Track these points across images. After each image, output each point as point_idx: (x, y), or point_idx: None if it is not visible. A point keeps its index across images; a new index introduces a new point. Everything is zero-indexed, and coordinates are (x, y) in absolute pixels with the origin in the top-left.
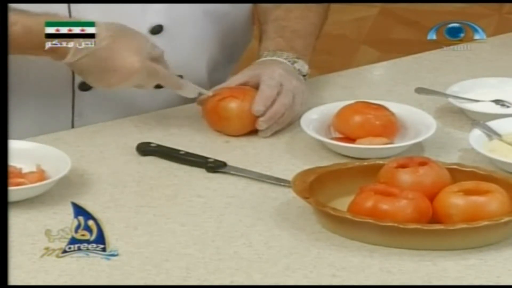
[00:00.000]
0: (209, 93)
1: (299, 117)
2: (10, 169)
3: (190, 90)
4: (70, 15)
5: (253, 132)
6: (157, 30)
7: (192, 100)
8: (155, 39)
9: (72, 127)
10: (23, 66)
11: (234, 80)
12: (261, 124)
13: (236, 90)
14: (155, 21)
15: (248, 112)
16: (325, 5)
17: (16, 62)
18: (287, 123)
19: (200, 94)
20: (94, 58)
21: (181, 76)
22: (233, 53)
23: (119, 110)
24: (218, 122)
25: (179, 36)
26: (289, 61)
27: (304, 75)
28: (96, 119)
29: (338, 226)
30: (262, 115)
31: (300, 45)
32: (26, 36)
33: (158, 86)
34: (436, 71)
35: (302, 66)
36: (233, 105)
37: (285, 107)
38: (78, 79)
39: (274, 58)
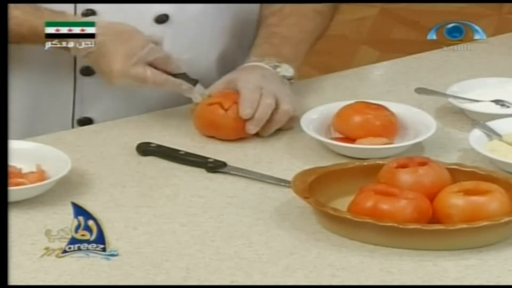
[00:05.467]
0: (205, 94)
1: (299, 118)
2: (10, 169)
3: (195, 96)
4: (75, 5)
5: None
6: (162, 19)
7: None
8: (160, 28)
9: (73, 112)
10: (26, 49)
11: (216, 85)
12: (250, 129)
13: (223, 97)
14: (161, 10)
15: (233, 119)
16: (325, 13)
17: (18, 45)
18: (283, 122)
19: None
20: (89, 58)
21: (196, 80)
22: (248, 48)
23: (120, 96)
24: (204, 128)
25: (186, 27)
26: (270, 66)
27: (289, 79)
28: (98, 105)
29: (338, 226)
30: (250, 119)
31: (287, 51)
32: (32, 36)
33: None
34: (436, 71)
35: (287, 70)
36: (220, 112)
37: (270, 108)
38: (80, 64)
39: (255, 63)
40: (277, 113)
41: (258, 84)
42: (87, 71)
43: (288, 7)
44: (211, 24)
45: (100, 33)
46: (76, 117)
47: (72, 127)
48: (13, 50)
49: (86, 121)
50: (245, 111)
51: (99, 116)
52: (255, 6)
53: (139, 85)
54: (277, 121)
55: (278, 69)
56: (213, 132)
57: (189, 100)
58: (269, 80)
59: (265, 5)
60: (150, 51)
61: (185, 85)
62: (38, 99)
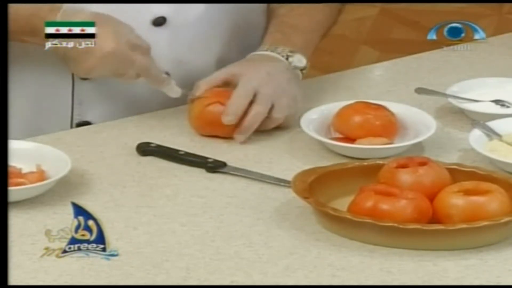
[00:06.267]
0: (194, 92)
1: (299, 118)
2: (10, 169)
3: (173, 90)
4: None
5: (253, 132)
6: (160, 21)
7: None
8: (157, 31)
9: (72, 115)
10: (23, 53)
11: (216, 76)
12: (237, 137)
13: (221, 94)
14: (158, 13)
15: None
16: (332, 7)
17: (16, 48)
18: (270, 127)
19: (183, 94)
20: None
21: (167, 73)
22: (248, 50)
23: (119, 100)
24: (205, 127)
25: (184, 30)
26: (283, 56)
27: (302, 70)
28: (96, 108)
29: (338, 226)
30: (237, 126)
31: (299, 39)
32: (16, 19)
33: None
34: (436, 71)
35: (299, 60)
36: (220, 110)
37: (260, 116)
38: None
39: (267, 53)
40: (266, 120)
41: (256, 86)
42: None
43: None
44: (210, 27)
45: (88, 15)
46: (75, 121)
47: None
48: (12, 54)
49: (85, 125)
50: (226, 117)
51: (98, 120)
52: (255, 9)
53: (121, 71)
54: (263, 126)
55: (291, 59)
56: (215, 131)
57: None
58: (273, 79)
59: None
60: (136, 37)
61: (164, 74)
62: (37, 103)
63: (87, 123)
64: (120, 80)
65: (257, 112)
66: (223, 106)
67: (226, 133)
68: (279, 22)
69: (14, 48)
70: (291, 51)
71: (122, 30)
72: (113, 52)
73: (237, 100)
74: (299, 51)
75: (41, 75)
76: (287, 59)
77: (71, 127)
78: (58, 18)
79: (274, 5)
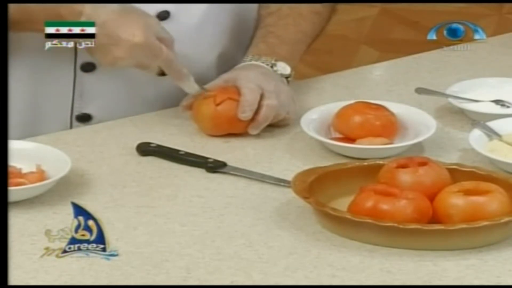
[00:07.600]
0: (202, 91)
1: (299, 118)
2: (10, 169)
3: (191, 86)
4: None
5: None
6: (163, 16)
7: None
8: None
9: (72, 108)
10: (25, 45)
11: (212, 85)
12: (252, 130)
13: (228, 90)
14: (163, 7)
15: None
16: (322, 14)
17: (18, 38)
18: (277, 121)
19: (199, 90)
20: (101, 29)
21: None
22: (248, 48)
23: (120, 94)
24: (221, 126)
25: (187, 25)
26: (267, 64)
27: (287, 77)
28: (97, 101)
29: (338, 226)
30: (252, 120)
31: (284, 50)
32: (43, 9)
33: (161, 74)
34: (436, 71)
35: (284, 68)
36: (232, 106)
37: (273, 109)
38: (81, 60)
39: (252, 62)
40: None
41: (259, 82)
42: (87, 67)
43: (285, 8)
44: (212, 23)
45: (115, 7)
46: (75, 113)
47: (71, 123)
48: (13, 45)
49: (85, 117)
50: (244, 113)
51: (98, 112)
52: (255, 6)
53: (147, 62)
54: (272, 121)
55: (275, 68)
56: (230, 128)
57: None
58: (268, 78)
59: (263, 6)
60: (162, 29)
61: (186, 69)
62: (38, 95)
63: (87, 115)
64: (143, 72)
65: (270, 105)
66: (235, 101)
67: (240, 129)
68: (265, 32)
69: (15, 38)
70: (275, 60)
71: (150, 21)
72: (142, 43)
73: (249, 95)
74: (283, 60)
75: (42, 68)
76: (271, 67)
77: (71, 119)
78: (83, 18)
79: (263, 13)
